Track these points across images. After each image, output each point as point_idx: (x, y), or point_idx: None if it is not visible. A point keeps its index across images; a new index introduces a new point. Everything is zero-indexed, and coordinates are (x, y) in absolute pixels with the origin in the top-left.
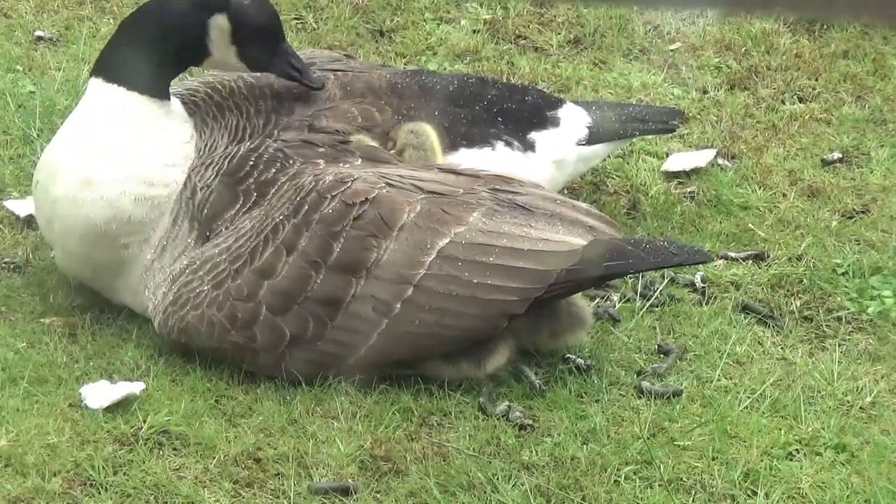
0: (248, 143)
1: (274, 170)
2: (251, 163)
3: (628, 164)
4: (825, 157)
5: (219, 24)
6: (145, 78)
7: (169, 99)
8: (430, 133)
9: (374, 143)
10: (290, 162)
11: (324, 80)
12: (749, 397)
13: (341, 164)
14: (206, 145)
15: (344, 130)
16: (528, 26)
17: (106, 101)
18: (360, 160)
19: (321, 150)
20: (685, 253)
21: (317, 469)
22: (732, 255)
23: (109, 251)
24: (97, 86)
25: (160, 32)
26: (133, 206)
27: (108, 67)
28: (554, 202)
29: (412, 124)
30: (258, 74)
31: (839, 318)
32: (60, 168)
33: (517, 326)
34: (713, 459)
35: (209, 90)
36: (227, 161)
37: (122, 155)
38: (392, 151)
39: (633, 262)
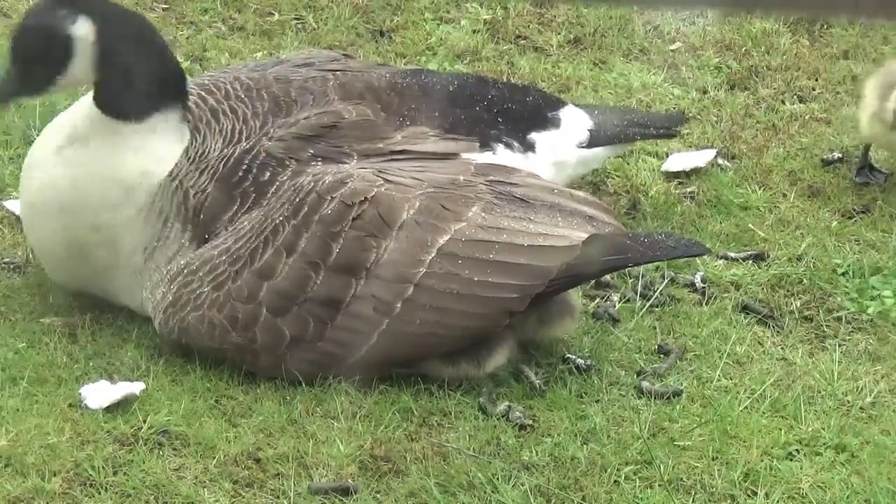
0: (244, 145)
1: (269, 171)
2: (246, 165)
3: (628, 164)
4: (825, 157)
5: (82, 28)
6: (121, 99)
7: (152, 113)
8: None
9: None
10: (286, 162)
11: None
12: (749, 397)
13: (340, 163)
14: (196, 153)
15: (337, 113)
16: (528, 26)
17: (84, 114)
18: (356, 156)
19: (313, 147)
20: (683, 246)
21: (317, 469)
22: (732, 255)
23: (81, 262)
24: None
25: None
26: (88, 233)
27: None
28: (551, 192)
29: (415, 128)
30: (255, 76)
31: (839, 318)
32: (24, 183)
33: (512, 320)
34: (713, 459)
35: (203, 93)
36: (222, 164)
37: (69, 192)
38: None
39: (632, 255)
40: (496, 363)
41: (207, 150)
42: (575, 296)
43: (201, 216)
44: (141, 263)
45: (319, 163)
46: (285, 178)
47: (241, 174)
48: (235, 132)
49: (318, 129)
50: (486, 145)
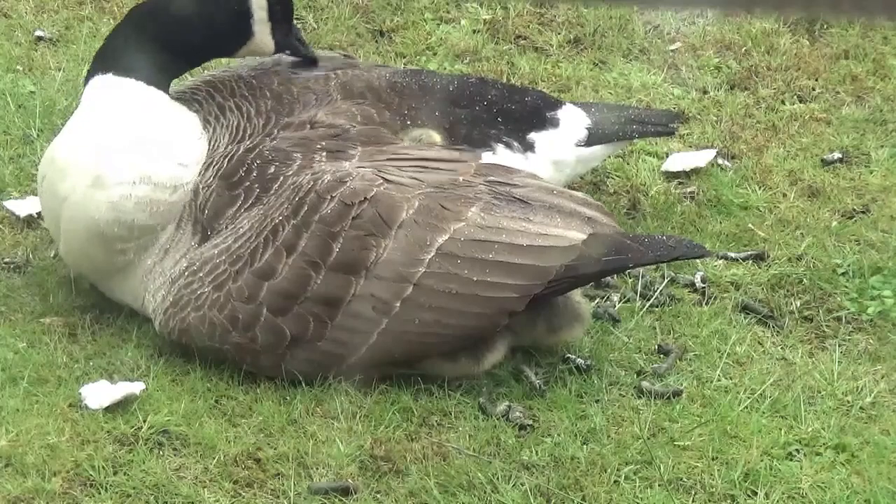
0: (247, 143)
1: (273, 168)
2: (248, 163)
3: (628, 164)
4: (825, 157)
5: (259, 2)
6: (156, 71)
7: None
8: (437, 140)
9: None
10: (289, 161)
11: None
12: (749, 397)
13: (341, 160)
14: (209, 145)
15: (343, 125)
16: (528, 26)
17: (118, 94)
18: (358, 154)
19: (319, 145)
20: (684, 247)
21: (317, 469)
22: (732, 255)
23: (108, 255)
24: (106, 81)
25: (195, 21)
26: (134, 209)
27: (118, 61)
28: (551, 193)
29: (420, 131)
30: (257, 74)
31: (839, 318)
32: (71, 165)
33: (515, 323)
34: (713, 459)
35: (210, 89)
36: (226, 161)
37: (136, 152)
38: None
39: (632, 256)
40: (494, 359)
41: (217, 144)
42: (585, 304)
43: (206, 212)
44: (150, 266)
45: (324, 157)
46: (287, 175)
47: (243, 171)
48: (240, 129)
49: (325, 137)
50: (485, 145)
